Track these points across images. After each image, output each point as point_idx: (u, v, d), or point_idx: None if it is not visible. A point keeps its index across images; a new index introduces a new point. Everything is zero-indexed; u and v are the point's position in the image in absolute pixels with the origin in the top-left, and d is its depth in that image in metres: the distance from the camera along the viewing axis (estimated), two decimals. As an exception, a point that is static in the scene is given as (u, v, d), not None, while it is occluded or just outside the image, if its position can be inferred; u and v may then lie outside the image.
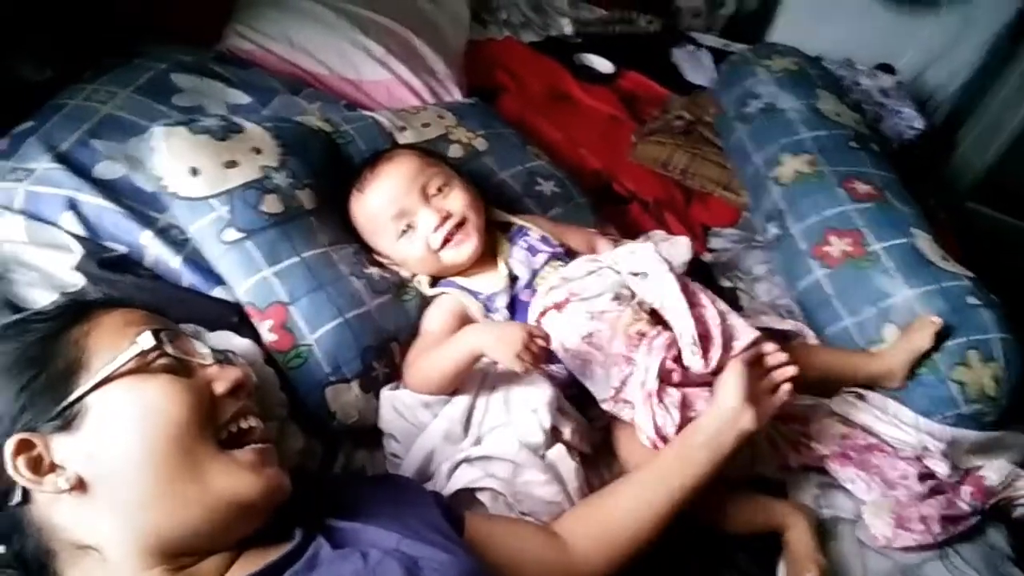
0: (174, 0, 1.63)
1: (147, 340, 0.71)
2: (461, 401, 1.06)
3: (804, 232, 1.44)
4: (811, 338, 1.35)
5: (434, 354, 1.06)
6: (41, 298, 0.99)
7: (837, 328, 1.32)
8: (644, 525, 0.93)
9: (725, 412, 0.98)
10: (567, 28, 2.24)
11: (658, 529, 0.94)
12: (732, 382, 0.99)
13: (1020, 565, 1.17)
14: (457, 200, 1.17)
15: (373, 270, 1.15)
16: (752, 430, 0.98)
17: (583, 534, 0.93)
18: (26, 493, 0.66)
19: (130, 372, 0.69)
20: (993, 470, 1.21)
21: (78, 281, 1.03)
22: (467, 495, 1.00)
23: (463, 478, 1.00)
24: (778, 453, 1.21)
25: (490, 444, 1.02)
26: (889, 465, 1.20)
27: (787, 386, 1.04)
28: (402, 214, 1.15)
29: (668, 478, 0.95)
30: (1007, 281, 1.43)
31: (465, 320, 1.14)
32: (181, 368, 0.73)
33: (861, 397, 1.27)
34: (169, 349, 0.73)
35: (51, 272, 1.04)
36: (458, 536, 0.82)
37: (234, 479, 0.69)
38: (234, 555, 0.71)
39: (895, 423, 1.24)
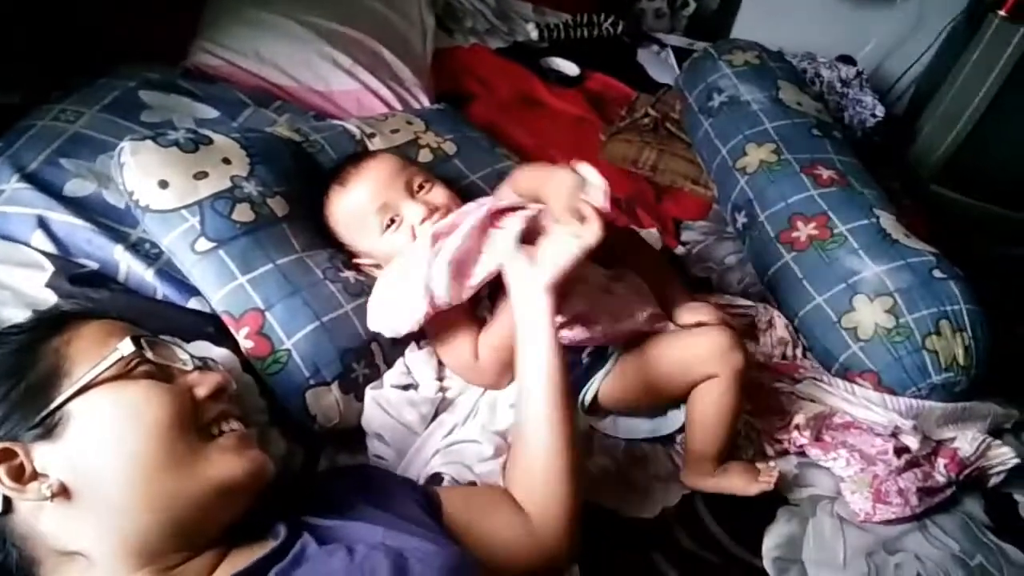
0: (139, 19, 1.63)
1: (127, 346, 0.71)
2: (462, 409, 1.10)
3: (771, 219, 1.47)
4: (777, 320, 1.38)
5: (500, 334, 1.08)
6: (13, 316, 0.99)
7: (809, 308, 1.35)
8: (556, 444, 0.89)
9: (515, 290, 0.95)
10: (532, 33, 2.26)
11: (569, 438, 0.89)
12: (500, 248, 0.98)
13: (996, 533, 1.20)
14: (440, 195, 1.18)
15: (348, 273, 1.15)
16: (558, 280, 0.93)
17: (526, 497, 0.90)
18: (8, 503, 0.66)
19: (111, 379, 0.70)
20: (966, 441, 1.24)
21: (50, 298, 1.03)
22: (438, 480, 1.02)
23: (434, 465, 1.03)
24: (756, 445, 1.24)
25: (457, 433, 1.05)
26: (866, 442, 1.22)
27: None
28: (387, 207, 1.14)
29: (532, 384, 0.91)
30: (973, 261, 1.46)
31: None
32: (162, 374, 0.74)
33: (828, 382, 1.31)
34: (150, 355, 0.73)
35: (22, 290, 1.03)
36: (437, 520, 0.83)
37: (219, 465, 0.70)
38: (220, 555, 0.71)
39: (865, 404, 1.27)
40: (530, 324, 0.93)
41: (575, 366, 1.17)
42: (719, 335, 1.12)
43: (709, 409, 1.12)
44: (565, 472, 0.89)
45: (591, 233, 0.94)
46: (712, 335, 1.13)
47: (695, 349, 1.12)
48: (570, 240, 0.95)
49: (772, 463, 1.18)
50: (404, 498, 0.84)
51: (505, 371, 1.09)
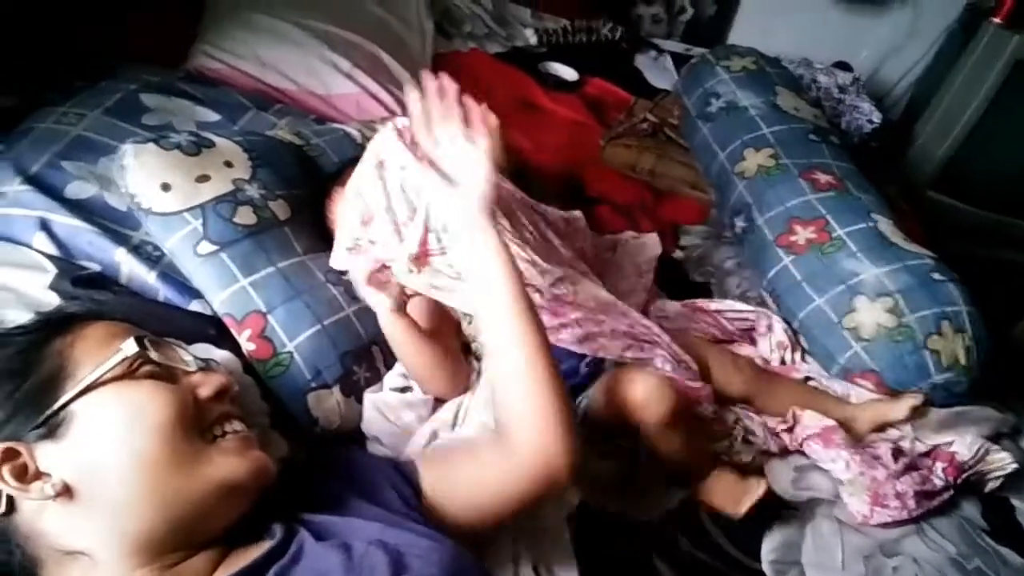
0: (140, 22, 1.63)
1: (131, 347, 0.72)
2: (450, 406, 1.09)
3: (770, 223, 1.47)
4: (776, 324, 1.39)
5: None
6: (15, 318, 0.98)
7: (809, 309, 1.35)
8: (531, 357, 0.85)
9: (460, 234, 0.90)
10: (531, 38, 2.27)
11: (542, 348, 0.86)
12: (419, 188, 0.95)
13: (993, 536, 1.21)
14: None
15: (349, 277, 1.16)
16: (487, 196, 0.89)
17: (510, 419, 0.86)
18: (11, 502, 0.66)
19: (115, 379, 0.70)
20: (964, 445, 1.24)
21: (52, 300, 1.03)
22: None
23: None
24: (756, 440, 1.24)
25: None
26: (865, 444, 1.23)
27: (487, 132, 0.92)
28: None
29: (500, 306, 0.86)
30: (969, 266, 1.47)
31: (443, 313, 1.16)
32: (165, 374, 0.74)
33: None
34: (153, 355, 0.73)
35: (25, 292, 1.04)
36: (417, 495, 0.83)
37: (221, 466, 0.70)
38: (221, 555, 0.71)
39: (863, 408, 1.27)
40: (481, 249, 0.88)
41: (574, 374, 1.18)
42: (639, 386, 1.07)
43: (657, 448, 1.11)
44: (544, 379, 0.84)
45: (480, 140, 0.91)
46: (634, 385, 1.08)
47: (622, 396, 1.09)
48: (473, 157, 0.90)
49: (761, 481, 1.13)
50: (386, 485, 0.83)
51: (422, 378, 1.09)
